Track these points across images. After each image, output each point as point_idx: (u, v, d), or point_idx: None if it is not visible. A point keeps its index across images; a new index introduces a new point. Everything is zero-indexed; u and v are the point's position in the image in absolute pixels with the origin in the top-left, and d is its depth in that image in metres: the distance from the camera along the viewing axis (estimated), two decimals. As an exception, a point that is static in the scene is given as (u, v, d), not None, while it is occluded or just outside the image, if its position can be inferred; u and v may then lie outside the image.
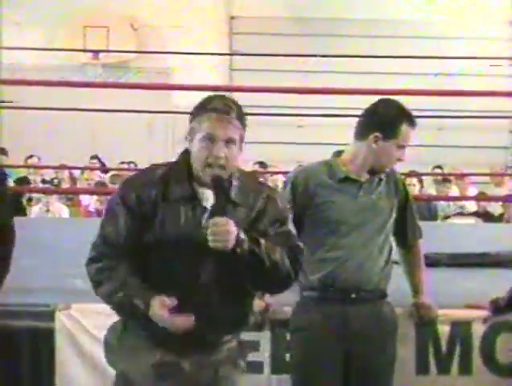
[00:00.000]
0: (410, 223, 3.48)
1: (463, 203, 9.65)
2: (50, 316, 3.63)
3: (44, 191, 9.04)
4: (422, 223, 3.56)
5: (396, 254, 3.52)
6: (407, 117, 3.29)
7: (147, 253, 2.67)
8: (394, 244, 3.48)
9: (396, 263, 3.51)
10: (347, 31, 13.00)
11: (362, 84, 8.88)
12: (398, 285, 3.47)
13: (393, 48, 11.73)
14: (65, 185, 10.16)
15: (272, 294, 2.87)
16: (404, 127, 3.27)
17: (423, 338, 3.64)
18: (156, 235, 2.66)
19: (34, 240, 5.11)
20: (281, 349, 3.56)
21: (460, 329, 3.65)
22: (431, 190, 10.35)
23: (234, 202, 2.68)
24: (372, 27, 12.95)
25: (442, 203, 9.65)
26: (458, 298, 3.83)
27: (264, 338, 3.61)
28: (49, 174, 10.72)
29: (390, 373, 3.38)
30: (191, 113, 2.75)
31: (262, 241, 2.62)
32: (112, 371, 2.85)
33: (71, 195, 9.61)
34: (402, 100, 3.38)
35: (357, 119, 3.39)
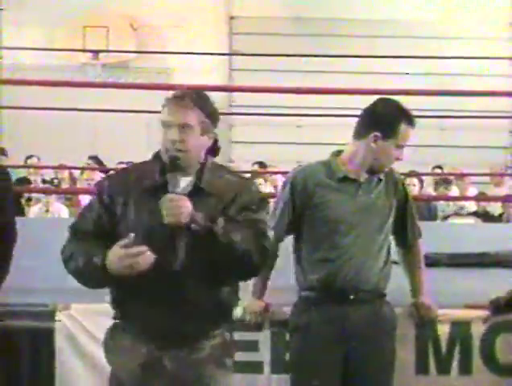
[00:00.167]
0: (409, 223, 3.47)
1: (462, 202, 9.64)
2: (50, 316, 3.63)
3: (44, 191, 9.04)
4: (421, 223, 3.56)
5: (396, 254, 3.52)
6: (406, 117, 3.29)
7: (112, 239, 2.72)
8: (393, 244, 3.48)
9: (396, 263, 3.51)
10: (346, 31, 12.99)
11: (362, 84, 8.87)
12: (397, 284, 3.47)
13: (392, 48, 11.71)
14: (65, 185, 10.15)
15: (240, 280, 2.85)
16: (403, 127, 3.27)
17: (423, 338, 3.64)
18: (128, 225, 2.74)
19: (33, 240, 5.10)
20: (281, 349, 3.56)
21: (460, 329, 3.65)
22: (430, 190, 10.35)
23: (205, 190, 2.74)
24: (371, 27, 12.94)
25: (442, 202, 9.64)
26: (458, 298, 3.82)
27: (264, 338, 3.61)
28: (49, 175, 10.72)
29: (389, 373, 3.38)
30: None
31: (221, 221, 2.65)
32: (112, 371, 2.88)
33: (70, 195, 9.60)
34: (402, 100, 3.38)
35: (356, 119, 3.39)
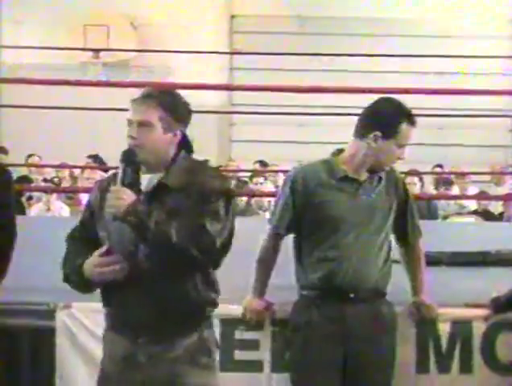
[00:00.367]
0: (410, 222, 3.47)
1: (463, 201, 9.64)
2: (50, 315, 3.63)
3: (45, 190, 9.04)
4: (422, 222, 3.55)
5: (396, 253, 3.52)
6: (407, 116, 3.29)
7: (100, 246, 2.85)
8: (394, 243, 3.48)
9: (397, 262, 3.51)
10: (348, 30, 12.99)
11: (363, 82, 8.87)
12: (398, 283, 3.47)
13: (394, 47, 11.73)
14: (66, 184, 10.15)
15: (188, 273, 2.85)
16: (404, 126, 3.27)
17: (424, 337, 3.63)
18: (101, 224, 2.86)
19: (34, 238, 5.11)
20: (281, 348, 3.56)
21: (461, 328, 3.64)
22: (431, 188, 10.35)
23: (170, 187, 2.77)
24: (372, 26, 12.93)
25: (442, 202, 9.64)
26: (458, 297, 3.82)
27: (264, 336, 3.60)
28: (49, 173, 10.71)
29: (389, 372, 3.38)
30: None
31: (158, 215, 2.69)
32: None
33: (71, 194, 9.60)
34: (403, 98, 3.38)
35: (357, 118, 3.38)
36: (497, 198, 9.46)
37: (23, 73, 10.71)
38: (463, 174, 10.27)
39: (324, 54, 10.94)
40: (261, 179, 9.64)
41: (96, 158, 11.01)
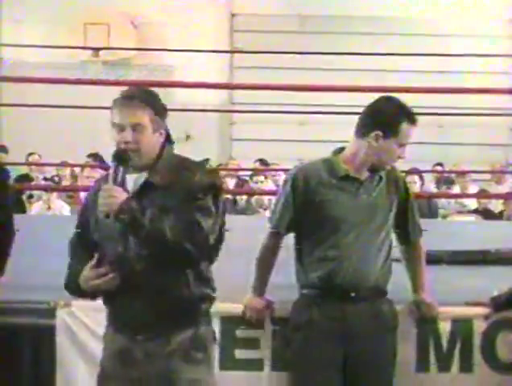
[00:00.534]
0: (410, 221, 3.47)
1: (463, 200, 9.64)
2: (51, 313, 3.63)
3: (45, 189, 9.04)
4: (422, 221, 3.55)
5: (397, 251, 3.52)
6: (408, 115, 3.29)
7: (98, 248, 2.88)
8: (394, 242, 3.48)
9: (397, 260, 3.51)
10: (348, 29, 12.98)
11: (363, 81, 8.88)
12: (398, 282, 3.47)
13: (394, 46, 11.73)
14: (66, 182, 10.15)
15: (183, 269, 2.85)
16: (405, 125, 3.27)
17: (424, 335, 3.63)
18: (93, 226, 2.89)
19: (35, 237, 5.12)
20: (281, 346, 3.55)
21: (461, 326, 3.64)
22: (431, 187, 10.35)
23: (156, 185, 2.78)
24: (372, 25, 12.93)
25: (443, 200, 9.65)
26: (459, 296, 3.82)
27: (265, 335, 3.60)
28: (50, 172, 10.71)
29: (390, 371, 3.38)
30: (110, 108, 2.89)
31: (151, 212, 2.70)
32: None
33: (72, 193, 9.60)
34: (403, 97, 3.38)
35: (357, 116, 3.38)
36: (497, 196, 9.46)
37: (23, 72, 10.70)
38: (463, 173, 10.27)
39: (324, 53, 10.93)
40: (261, 178, 9.64)
41: (96, 156, 11.01)
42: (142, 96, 2.82)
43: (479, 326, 3.64)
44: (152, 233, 2.69)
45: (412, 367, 3.63)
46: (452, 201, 9.64)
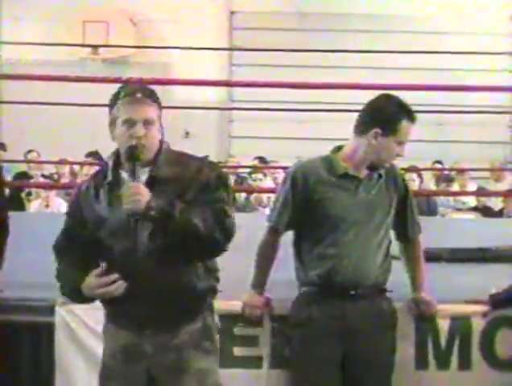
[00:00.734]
0: (410, 218, 3.47)
1: (462, 197, 9.64)
2: (49, 311, 3.63)
3: (43, 186, 9.03)
4: (421, 219, 3.55)
5: (396, 249, 3.52)
6: (407, 113, 3.29)
7: (93, 245, 2.87)
8: (394, 239, 3.48)
9: (396, 258, 3.51)
10: (347, 26, 12.98)
11: (363, 79, 8.87)
12: (397, 279, 3.47)
13: (393, 43, 11.71)
14: (65, 180, 10.15)
15: (206, 260, 2.88)
16: (404, 123, 3.27)
17: (423, 333, 3.63)
18: (93, 224, 2.88)
19: (33, 234, 5.11)
20: (280, 344, 3.56)
21: (460, 324, 3.64)
22: (430, 185, 10.35)
23: (161, 178, 2.79)
24: (372, 22, 12.93)
25: (443, 198, 9.64)
26: (458, 293, 3.82)
27: (264, 332, 3.60)
28: (48, 169, 10.71)
29: (389, 368, 3.38)
30: (109, 105, 2.90)
31: (179, 205, 2.71)
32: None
33: (70, 190, 9.59)
34: (402, 95, 3.37)
35: (356, 114, 3.38)
36: (496, 194, 9.46)
37: (22, 69, 10.69)
38: (462, 171, 10.27)
39: (323, 50, 10.92)
40: (260, 175, 9.64)
41: (95, 154, 11.01)
42: (150, 93, 2.86)
43: (478, 324, 3.64)
44: (184, 227, 2.69)
45: (411, 365, 3.63)
46: (451, 199, 9.64)
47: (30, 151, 10.93)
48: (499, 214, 9.16)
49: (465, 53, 11.22)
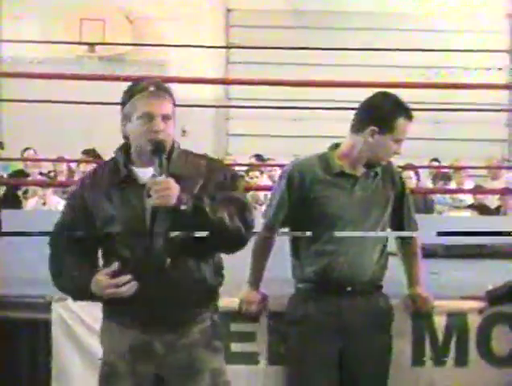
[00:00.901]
0: (406, 216, 3.47)
1: (459, 195, 9.65)
2: (46, 307, 3.63)
3: (40, 184, 9.03)
4: (418, 216, 3.56)
5: (393, 245, 3.53)
6: (404, 111, 3.29)
7: (101, 242, 2.84)
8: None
9: (393, 254, 3.51)
10: (345, 24, 12.97)
11: (359, 77, 8.87)
12: (394, 276, 3.48)
13: (390, 41, 11.70)
14: (62, 178, 10.14)
15: (228, 253, 2.88)
16: (401, 121, 3.27)
17: (419, 329, 3.64)
18: (103, 221, 2.81)
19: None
20: (277, 340, 3.56)
21: (456, 320, 3.65)
22: (427, 182, 10.35)
23: (176, 175, 2.74)
24: (369, 20, 12.92)
25: (439, 196, 9.65)
26: (454, 290, 3.83)
27: (260, 329, 3.61)
28: (46, 167, 10.70)
29: (385, 365, 3.39)
30: (121, 103, 2.84)
31: (206, 200, 2.70)
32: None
33: (67, 188, 9.59)
34: (399, 92, 3.38)
35: (353, 112, 3.38)
36: (493, 192, 9.46)
37: (20, 67, 10.68)
38: (459, 169, 10.28)
39: (320, 48, 10.91)
40: (257, 173, 9.64)
41: (92, 152, 11.01)
42: (166, 87, 2.83)
43: (474, 320, 3.65)
44: (213, 220, 2.68)
45: (408, 361, 3.64)
46: (448, 196, 9.65)
47: (27, 149, 10.92)
48: (496, 212, 9.17)
49: (463, 51, 11.21)
